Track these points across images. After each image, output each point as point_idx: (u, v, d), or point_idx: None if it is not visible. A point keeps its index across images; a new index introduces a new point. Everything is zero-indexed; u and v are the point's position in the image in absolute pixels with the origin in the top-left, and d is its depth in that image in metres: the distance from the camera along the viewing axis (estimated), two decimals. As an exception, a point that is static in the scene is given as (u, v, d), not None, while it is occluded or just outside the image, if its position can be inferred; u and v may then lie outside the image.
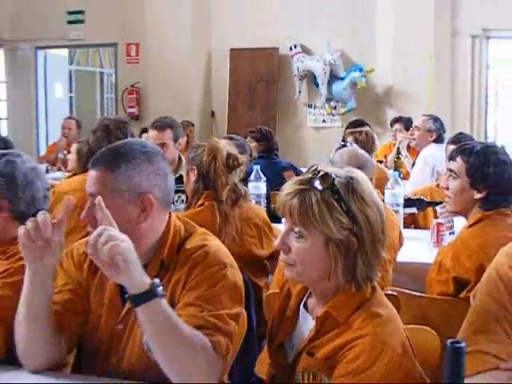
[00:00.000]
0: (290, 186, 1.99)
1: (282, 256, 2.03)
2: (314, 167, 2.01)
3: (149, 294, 1.93)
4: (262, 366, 2.44)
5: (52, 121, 11.56)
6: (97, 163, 2.18)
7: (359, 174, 2.02)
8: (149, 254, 2.19)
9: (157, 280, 1.97)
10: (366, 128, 6.19)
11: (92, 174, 2.17)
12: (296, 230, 1.97)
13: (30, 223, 2.00)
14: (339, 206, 1.93)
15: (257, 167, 4.90)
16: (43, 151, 10.43)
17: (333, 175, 1.95)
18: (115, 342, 2.21)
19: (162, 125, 5.05)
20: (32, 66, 11.45)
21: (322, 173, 1.96)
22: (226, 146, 3.73)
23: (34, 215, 2.53)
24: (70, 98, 12.99)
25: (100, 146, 3.76)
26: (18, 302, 2.29)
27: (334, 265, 1.95)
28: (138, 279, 1.93)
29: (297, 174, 6.38)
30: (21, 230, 2.00)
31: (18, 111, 11.21)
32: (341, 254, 1.94)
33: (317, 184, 1.94)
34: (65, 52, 12.72)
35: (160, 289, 1.95)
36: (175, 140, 5.05)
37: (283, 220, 4.44)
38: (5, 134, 9.71)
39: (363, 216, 1.94)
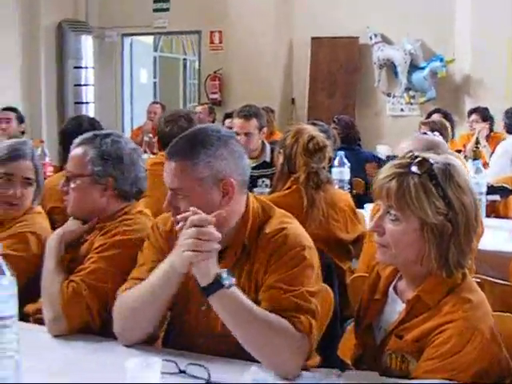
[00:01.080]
0: (387, 170, 2.03)
1: (375, 238, 2.06)
2: (411, 153, 2.04)
3: (215, 285, 2.00)
4: (346, 348, 2.49)
5: (137, 105, 11.78)
6: (175, 154, 2.19)
7: (456, 162, 2.05)
8: (228, 238, 2.21)
9: (224, 270, 2.02)
10: (440, 117, 6.17)
11: (171, 165, 2.19)
12: (392, 212, 2.00)
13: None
14: (436, 192, 1.96)
15: (341, 153, 4.92)
16: (128, 135, 10.64)
17: (431, 161, 1.99)
18: (201, 322, 2.27)
19: (247, 114, 5.07)
20: (118, 53, 11.69)
21: (419, 158, 2.00)
22: (311, 130, 3.77)
23: (137, 194, 2.67)
24: (154, 83, 13.22)
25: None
26: (112, 275, 2.43)
27: (428, 249, 1.98)
28: (205, 270, 2.01)
29: (379, 165, 6.44)
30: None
31: (105, 96, 11.46)
32: (435, 239, 1.97)
33: (415, 169, 1.97)
34: (150, 39, 12.94)
35: (227, 279, 2.00)
36: (260, 129, 5.10)
37: (366, 206, 4.49)
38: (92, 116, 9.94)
39: (459, 202, 1.96)
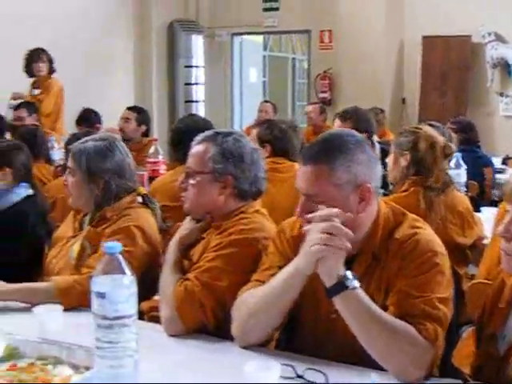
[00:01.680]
0: None
1: (502, 244, 1.97)
2: None
3: (338, 286, 1.97)
4: (462, 356, 2.39)
5: (246, 104, 11.88)
6: (311, 158, 2.16)
7: None
8: (359, 244, 2.17)
9: (349, 272, 1.99)
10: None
11: (307, 170, 2.15)
12: (525, 218, 1.90)
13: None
14: None
15: (458, 155, 4.82)
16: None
17: None
18: (330, 330, 2.22)
19: (344, 115, 5.03)
20: (228, 52, 11.80)
21: None
22: (436, 135, 3.72)
23: (255, 194, 2.65)
24: (264, 82, 13.30)
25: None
26: (228, 273, 2.42)
27: None
28: (331, 269, 1.98)
29: (494, 171, 6.28)
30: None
31: (215, 94, 11.59)
32: None
33: None
34: (259, 38, 13.01)
35: (351, 281, 1.97)
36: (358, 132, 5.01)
37: (482, 209, 4.35)
38: (202, 115, 10.07)
39: None
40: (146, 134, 6.52)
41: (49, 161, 5.56)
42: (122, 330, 1.77)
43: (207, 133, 2.68)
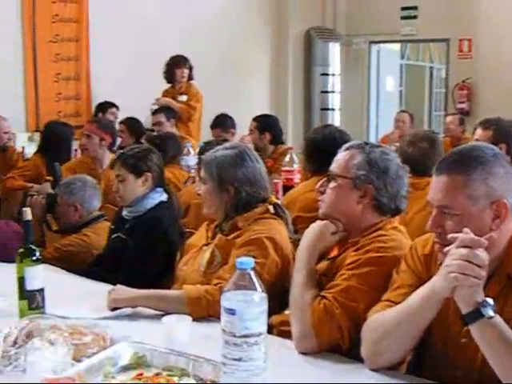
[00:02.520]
0: None
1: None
2: None
3: (475, 314, 1.87)
4: None
5: (382, 113, 11.71)
6: (447, 168, 2.07)
7: None
8: (493, 265, 2.02)
9: (487, 299, 1.87)
10: None
11: (441, 180, 2.07)
12: None
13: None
14: None
15: None
16: (373, 142, 10.56)
17: None
18: (459, 355, 2.11)
19: (486, 124, 4.82)
20: (365, 60, 11.67)
21: None
22: None
23: (394, 211, 2.55)
24: (400, 91, 13.08)
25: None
26: (364, 293, 2.34)
27: None
28: (469, 297, 1.88)
29: None
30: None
31: (351, 103, 11.48)
32: None
33: None
34: (397, 46, 12.82)
35: (489, 309, 1.86)
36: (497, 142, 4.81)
37: None
38: (337, 123, 10.00)
39: None
40: (275, 139, 6.45)
41: (184, 166, 5.64)
42: (251, 349, 1.73)
43: (355, 142, 2.66)
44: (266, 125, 6.42)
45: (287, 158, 5.15)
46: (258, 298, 1.74)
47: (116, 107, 7.84)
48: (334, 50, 11.21)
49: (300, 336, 2.35)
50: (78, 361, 2.06)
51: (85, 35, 8.33)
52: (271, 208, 3.02)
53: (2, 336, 2.14)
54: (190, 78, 7.81)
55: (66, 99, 8.32)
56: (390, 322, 2.10)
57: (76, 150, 6.56)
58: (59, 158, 5.79)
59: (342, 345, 2.33)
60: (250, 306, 1.72)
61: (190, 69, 7.77)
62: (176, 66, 7.71)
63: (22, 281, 2.61)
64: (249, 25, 10.28)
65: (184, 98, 7.70)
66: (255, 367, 1.75)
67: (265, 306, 1.75)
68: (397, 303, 2.14)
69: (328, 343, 2.33)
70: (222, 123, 6.88)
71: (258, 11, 10.44)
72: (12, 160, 6.57)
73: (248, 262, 1.77)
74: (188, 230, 3.92)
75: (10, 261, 2.87)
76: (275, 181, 4.69)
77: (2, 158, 6.46)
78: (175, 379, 2.03)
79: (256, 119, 6.49)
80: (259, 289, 1.75)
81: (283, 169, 5.13)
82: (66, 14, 8.18)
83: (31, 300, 2.61)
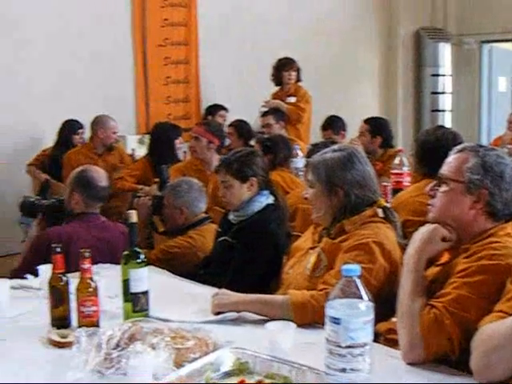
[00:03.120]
0: None
1: None
2: None
3: None
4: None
5: (494, 114, 11.35)
6: None
7: None
8: None
9: None
10: None
11: None
12: None
13: None
14: None
15: None
16: (485, 143, 10.27)
17: None
18: None
19: None
20: (477, 60, 11.35)
21: None
22: None
23: (507, 216, 2.43)
24: (512, 92, 12.66)
25: None
26: (474, 303, 2.23)
27: None
28: None
29: None
30: None
31: (462, 104, 11.19)
32: None
33: None
34: (509, 46, 12.39)
35: None
36: None
37: None
38: (449, 125, 9.76)
39: None
40: (386, 142, 6.33)
41: (292, 169, 5.60)
42: (355, 360, 1.66)
43: (468, 144, 2.55)
44: (378, 128, 6.31)
45: (396, 161, 5.03)
46: (365, 307, 1.67)
47: (225, 109, 7.88)
48: (445, 50, 10.99)
49: (408, 347, 2.25)
50: (180, 366, 2.04)
51: (194, 39, 8.44)
52: (380, 211, 2.93)
53: (106, 338, 2.14)
54: (298, 79, 7.76)
55: (176, 102, 8.45)
56: (503, 334, 1.99)
57: (185, 152, 6.63)
58: (166, 160, 5.87)
59: (451, 356, 2.22)
60: (355, 315, 1.66)
61: (298, 71, 7.73)
62: (283, 68, 7.68)
63: (126, 283, 2.62)
64: (358, 26, 10.18)
65: (293, 99, 7.67)
66: (359, 378, 1.68)
67: (371, 316, 1.68)
68: (510, 314, 2.03)
69: (436, 354, 2.23)
70: (333, 125, 6.84)
71: (367, 11, 10.32)
72: (117, 161, 6.70)
73: (354, 269, 1.70)
74: (295, 233, 3.87)
75: (117, 262, 2.89)
76: (384, 184, 4.59)
77: (108, 158, 6.60)
78: (278, 387, 1.98)
79: (368, 122, 6.38)
80: (365, 297, 1.68)
81: (392, 171, 5.01)
82: (175, 18, 8.31)
83: (135, 302, 2.61)
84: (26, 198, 4.44)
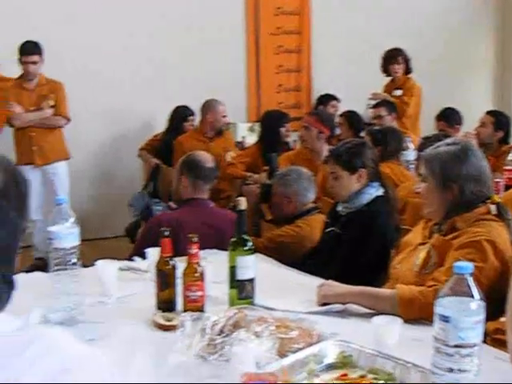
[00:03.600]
0: None
1: None
2: None
3: None
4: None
5: None
6: None
7: None
8: None
9: None
10: None
11: None
12: None
13: None
14: None
15: None
16: None
17: None
18: None
19: None
20: None
21: None
22: None
23: None
24: None
25: None
26: None
27: None
28: None
29: None
30: None
31: None
32: None
33: None
34: None
35: None
36: None
37: None
38: None
39: None
40: (504, 140, 6.15)
41: (403, 161, 5.51)
42: (463, 360, 1.60)
43: None
44: (503, 122, 6.15)
45: (510, 157, 4.88)
46: (476, 306, 1.61)
47: (337, 100, 7.82)
48: None
49: None
50: (283, 355, 2.02)
51: (306, 28, 8.42)
52: (493, 208, 2.83)
53: (210, 324, 2.15)
54: (408, 71, 7.61)
55: (287, 91, 8.46)
56: None
57: (295, 141, 6.62)
58: (274, 147, 5.88)
59: None
60: (465, 314, 1.59)
61: (407, 62, 7.57)
62: (390, 60, 7.55)
63: (233, 270, 2.63)
64: (472, 16, 9.87)
65: (399, 92, 7.53)
66: (466, 380, 1.62)
67: (482, 316, 1.62)
68: None
69: None
70: (449, 117, 6.68)
71: (484, 3, 9.99)
72: (228, 145, 6.75)
73: (467, 266, 1.63)
74: (404, 227, 3.80)
75: (224, 248, 2.91)
76: (496, 180, 4.45)
77: (219, 142, 6.67)
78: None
79: (492, 114, 6.24)
80: (477, 296, 1.62)
81: (506, 167, 4.87)
82: (289, 6, 8.30)
83: (241, 289, 2.62)
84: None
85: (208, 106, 6.69)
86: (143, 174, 7.00)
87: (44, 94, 6.29)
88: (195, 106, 6.86)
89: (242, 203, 2.68)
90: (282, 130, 6.38)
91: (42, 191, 6.23)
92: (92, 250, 5.66)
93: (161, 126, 7.17)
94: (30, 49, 6.09)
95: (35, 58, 6.11)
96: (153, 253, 3.02)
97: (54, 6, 7.10)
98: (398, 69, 7.55)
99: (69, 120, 6.36)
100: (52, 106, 6.27)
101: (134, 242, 4.59)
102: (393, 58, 7.53)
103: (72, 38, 7.10)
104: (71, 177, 6.56)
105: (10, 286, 1.17)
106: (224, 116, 6.73)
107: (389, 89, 7.62)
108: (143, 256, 3.29)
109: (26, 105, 6.24)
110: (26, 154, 6.21)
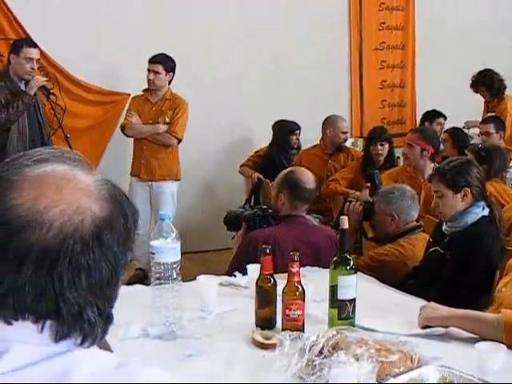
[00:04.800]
0: None
1: None
2: None
3: None
4: None
5: None
6: None
7: None
8: None
9: None
10: None
11: None
12: None
13: None
14: None
15: None
16: None
17: None
18: None
19: None
20: None
21: None
22: None
23: None
24: None
25: None
26: None
27: None
28: None
29: None
30: None
31: None
32: None
33: None
34: None
35: None
36: None
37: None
38: None
39: None
40: None
41: (508, 180, 5.37)
42: None
43: None
44: None
45: None
46: None
47: (444, 117, 7.66)
48: None
49: None
50: (382, 379, 1.99)
51: (411, 42, 8.32)
52: None
53: (309, 344, 2.14)
54: (497, 93, 7.44)
55: (391, 106, 8.37)
56: None
57: (398, 158, 6.54)
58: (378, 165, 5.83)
59: None
60: None
61: (491, 86, 7.42)
62: (476, 86, 7.45)
63: (334, 289, 2.61)
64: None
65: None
66: None
67: None
68: None
69: None
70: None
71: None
72: (348, 161, 6.71)
73: None
74: (510, 249, 3.68)
75: (319, 265, 2.89)
76: None
77: (338, 158, 6.65)
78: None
79: None
80: None
81: None
82: (393, 21, 8.23)
83: (342, 309, 2.59)
84: (229, 213, 4.57)
85: (328, 122, 6.68)
86: (245, 189, 7.02)
87: (164, 109, 6.26)
88: (297, 121, 6.85)
89: (345, 222, 2.66)
90: (293, 137, 6.62)
91: (147, 204, 6.29)
92: (193, 263, 5.75)
93: (259, 139, 7.19)
94: (155, 58, 6.14)
95: (158, 67, 6.10)
96: (253, 269, 3.03)
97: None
98: (484, 93, 7.45)
99: (180, 140, 6.29)
100: (167, 123, 6.24)
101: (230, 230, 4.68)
102: (478, 83, 7.42)
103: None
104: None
105: (106, 320, 1.13)
106: (344, 132, 6.71)
107: (487, 109, 7.50)
108: (240, 271, 3.30)
109: (146, 117, 6.26)
110: (136, 166, 6.29)
